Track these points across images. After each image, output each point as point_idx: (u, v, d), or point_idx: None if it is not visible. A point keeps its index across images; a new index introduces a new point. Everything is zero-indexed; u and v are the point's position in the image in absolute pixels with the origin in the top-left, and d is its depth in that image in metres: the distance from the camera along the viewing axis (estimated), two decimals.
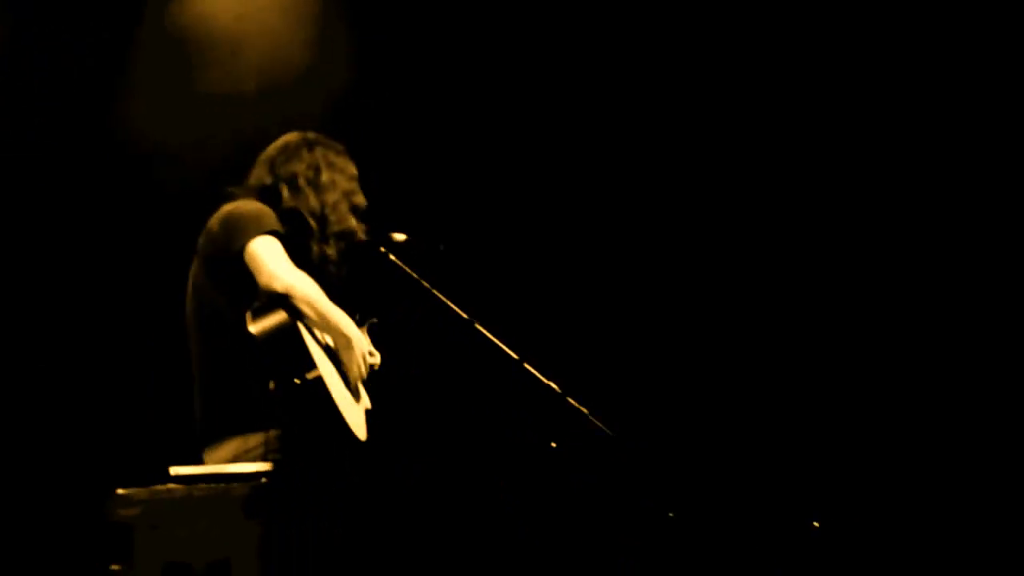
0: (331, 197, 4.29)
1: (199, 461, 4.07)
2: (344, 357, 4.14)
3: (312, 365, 3.88)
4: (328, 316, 4.03)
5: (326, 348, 4.16)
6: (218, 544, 3.72)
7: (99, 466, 5.83)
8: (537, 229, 6.42)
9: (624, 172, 6.46)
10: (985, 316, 6.10)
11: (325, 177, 4.30)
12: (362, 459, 4.14)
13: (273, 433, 3.98)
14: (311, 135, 4.40)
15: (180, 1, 6.23)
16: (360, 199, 4.37)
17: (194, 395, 4.17)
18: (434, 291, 4.33)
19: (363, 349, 4.19)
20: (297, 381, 3.85)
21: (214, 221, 4.18)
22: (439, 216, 5.96)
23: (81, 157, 6.16)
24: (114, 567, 3.75)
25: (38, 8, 6.11)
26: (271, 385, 3.86)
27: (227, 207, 4.19)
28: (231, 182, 4.35)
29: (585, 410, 4.24)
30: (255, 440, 3.99)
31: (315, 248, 4.24)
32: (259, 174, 4.34)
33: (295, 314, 3.95)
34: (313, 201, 4.26)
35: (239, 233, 4.06)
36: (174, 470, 3.82)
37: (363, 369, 4.19)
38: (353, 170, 4.41)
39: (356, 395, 4.28)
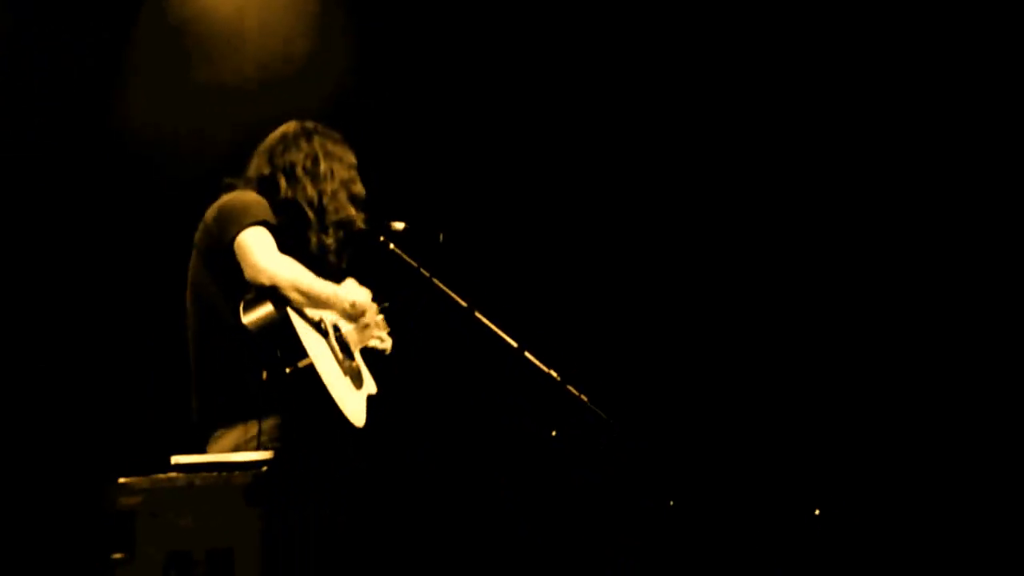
0: (329, 186, 4.29)
1: (201, 450, 4.09)
2: (348, 327, 4.17)
3: (304, 354, 3.92)
4: (317, 295, 4.07)
5: (324, 334, 4.17)
6: (220, 532, 3.72)
7: (100, 455, 5.84)
8: (537, 218, 6.42)
9: (624, 159, 6.46)
10: (984, 309, 6.11)
11: (323, 166, 4.30)
12: (363, 446, 4.15)
13: (270, 421, 4.01)
14: (310, 124, 4.41)
15: None
16: (359, 188, 4.37)
17: (192, 385, 4.19)
18: (434, 279, 4.34)
19: (366, 312, 4.22)
20: (288, 370, 3.89)
21: (209, 214, 4.21)
22: (439, 205, 5.98)
23: (81, 150, 6.16)
24: (116, 556, 3.75)
25: (39, 1, 6.11)
26: (264, 375, 3.91)
27: (222, 199, 4.21)
28: (232, 174, 4.36)
29: (585, 398, 4.24)
30: (256, 429, 4.01)
31: (313, 238, 4.24)
32: (258, 164, 4.35)
33: (285, 303, 3.98)
34: (311, 190, 4.27)
35: (229, 225, 4.09)
36: (175, 459, 3.83)
37: (370, 332, 4.22)
38: (352, 159, 4.42)
39: (359, 381, 4.28)
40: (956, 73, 6.15)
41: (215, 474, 3.77)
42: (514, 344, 4.28)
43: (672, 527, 5.34)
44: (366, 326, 4.34)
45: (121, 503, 3.77)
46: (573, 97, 6.46)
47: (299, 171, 4.29)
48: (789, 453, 6.10)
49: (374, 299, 4.41)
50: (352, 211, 4.32)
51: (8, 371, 6.03)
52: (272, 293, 3.98)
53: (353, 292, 4.30)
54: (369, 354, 4.50)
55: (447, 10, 6.44)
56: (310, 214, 4.25)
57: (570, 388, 4.27)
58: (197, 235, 4.23)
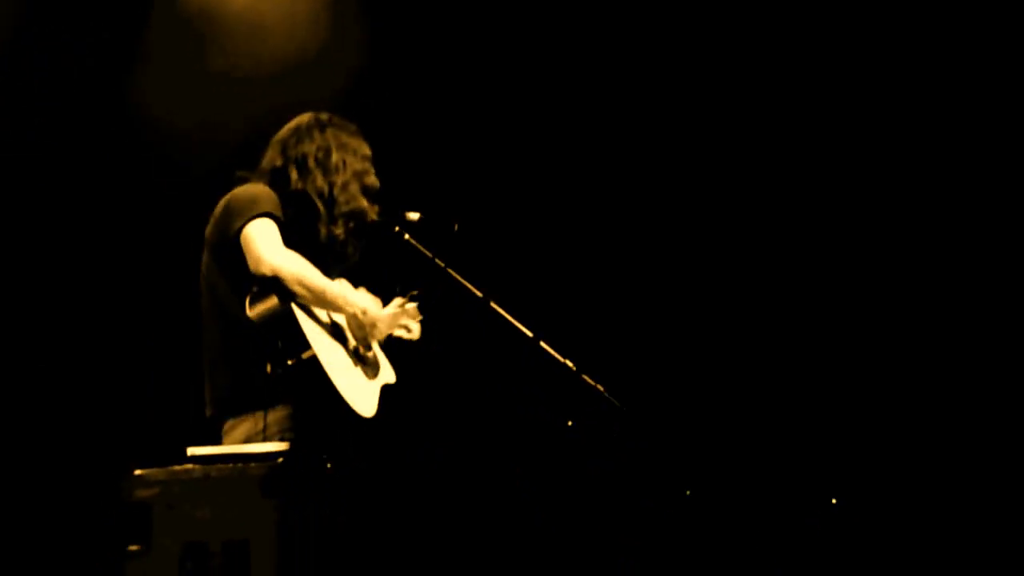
0: (340, 178, 4.28)
1: (215, 442, 4.10)
2: (354, 331, 4.16)
3: (306, 346, 3.92)
4: (322, 292, 4.07)
5: (334, 325, 4.17)
6: (236, 524, 3.72)
7: (115, 447, 5.85)
8: (552, 207, 6.41)
9: (642, 149, 6.44)
10: (985, 303, 6.10)
11: (335, 158, 4.29)
12: (379, 438, 4.15)
13: (277, 413, 4.01)
14: (324, 116, 4.40)
15: None
16: (372, 180, 4.36)
17: (205, 378, 4.20)
18: (449, 270, 4.33)
19: (372, 316, 4.21)
20: (290, 362, 3.89)
21: (218, 207, 4.21)
22: (454, 195, 5.98)
23: (94, 142, 6.16)
24: (132, 547, 3.76)
25: None
26: (268, 368, 3.93)
27: (231, 192, 4.21)
28: (246, 166, 4.36)
29: (601, 387, 4.23)
30: (271, 419, 4.02)
31: (323, 229, 4.24)
32: (271, 156, 4.35)
33: (288, 296, 3.97)
34: (321, 181, 4.26)
35: (235, 218, 4.10)
36: (191, 450, 3.83)
37: (375, 336, 4.20)
38: (366, 151, 4.40)
39: (373, 370, 4.27)
40: (956, 73, 6.13)
41: (231, 465, 3.78)
42: (529, 334, 4.27)
43: (687, 518, 5.33)
44: (374, 325, 4.32)
45: (137, 495, 3.78)
46: (590, 86, 6.44)
47: (311, 162, 4.28)
48: (800, 448, 6.08)
49: (402, 289, 4.41)
50: (364, 202, 4.30)
51: (26, 362, 6.04)
52: (275, 285, 3.98)
53: (364, 299, 4.28)
54: (392, 344, 4.49)
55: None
56: (320, 205, 4.24)
57: (585, 378, 4.26)
58: (207, 228, 4.23)
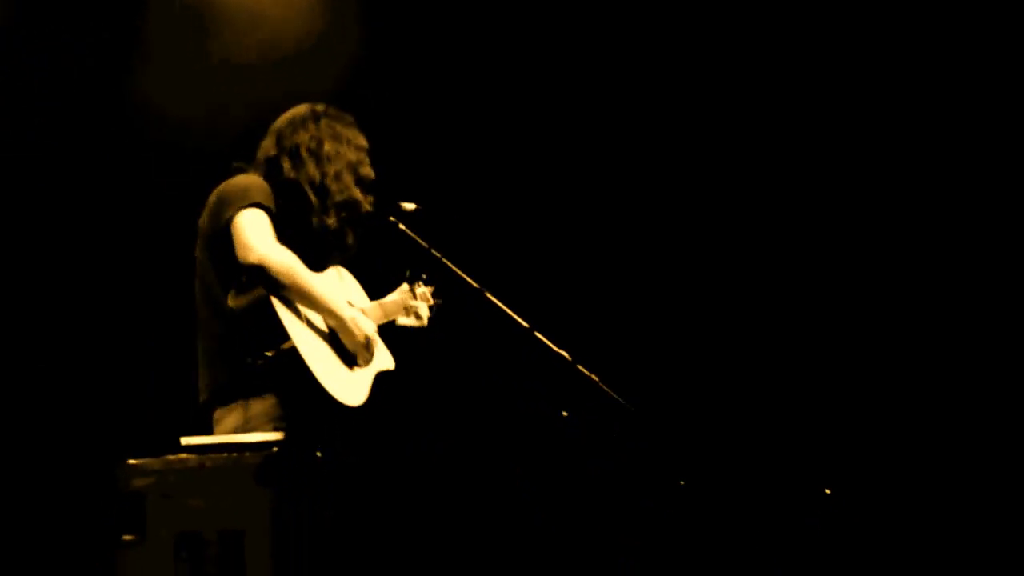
0: (333, 168, 4.28)
1: (206, 431, 4.10)
2: (339, 332, 4.16)
3: (285, 336, 3.93)
4: (307, 292, 4.06)
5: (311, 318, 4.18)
6: (230, 513, 3.73)
7: (107, 437, 5.85)
8: (548, 198, 6.40)
9: (635, 137, 6.43)
10: (984, 298, 6.11)
11: (328, 147, 4.29)
12: (372, 428, 4.15)
13: (260, 403, 4.02)
14: (320, 107, 4.40)
15: None
16: (367, 171, 4.35)
17: (199, 366, 4.21)
18: (444, 260, 4.33)
19: (357, 324, 4.20)
20: (269, 353, 3.91)
21: (211, 197, 4.22)
22: (451, 186, 5.98)
23: (91, 132, 6.15)
24: (127, 537, 3.76)
25: None
26: (248, 358, 3.96)
27: (224, 183, 4.22)
28: (244, 157, 4.36)
29: (596, 378, 4.23)
30: (256, 409, 4.04)
31: (315, 219, 4.24)
32: (266, 146, 4.35)
33: (273, 287, 3.98)
34: (313, 171, 4.26)
35: (225, 208, 4.11)
36: (185, 440, 3.83)
37: (359, 338, 4.19)
38: (362, 142, 4.40)
39: (366, 357, 4.26)
40: (956, 73, 6.13)
41: (226, 455, 3.78)
42: (525, 324, 4.27)
43: (686, 518, 5.33)
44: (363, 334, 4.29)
45: (133, 484, 3.78)
46: (586, 77, 6.43)
47: (303, 152, 4.28)
48: (800, 448, 6.08)
49: (411, 275, 4.42)
50: (358, 193, 4.30)
51: (19, 352, 6.03)
52: (262, 275, 3.98)
53: (349, 311, 4.24)
54: (394, 331, 4.49)
55: None
56: (311, 195, 4.24)
57: (581, 368, 4.26)
58: (201, 218, 4.24)
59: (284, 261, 4.01)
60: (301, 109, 4.39)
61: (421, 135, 6.22)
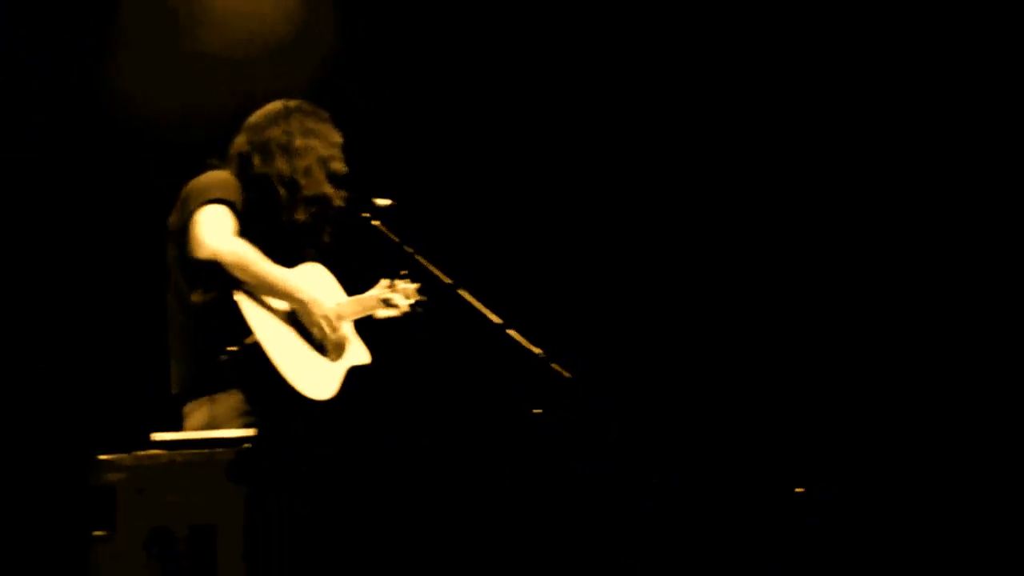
0: (303, 163, 4.28)
1: (178, 427, 4.13)
2: (303, 320, 4.17)
3: (248, 331, 3.95)
4: (265, 278, 4.07)
5: (285, 311, 4.17)
6: (202, 509, 3.72)
7: (76, 433, 5.83)
8: (524, 195, 6.40)
9: (614, 132, 6.43)
10: (983, 298, 6.13)
11: (299, 142, 4.30)
12: (345, 422, 4.16)
13: (232, 397, 4.03)
14: (293, 103, 4.40)
15: None
16: (339, 166, 4.35)
17: (170, 363, 4.23)
18: (417, 256, 4.33)
19: (321, 309, 4.20)
20: (231, 349, 3.93)
21: (181, 194, 4.24)
22: (425, 181, 5.97)
23: (67, 128, 6.13)
24: (97, 533, 3.75)
25: None
26: (212, 354, 3.98)
27: (193, 180, 4.24)
28: (221, 153, 4.36)
29: (568, 375, 4.24)
30: (223, 404, 4.06)
31: (284, 214, 4.24)
32: (239, 142, 4.36)
33: (232, 282, 4.00)
34: (283, 166, 4.27)
35: (189, 204, 4.14)
36: (155, 436, 3.83)
37: (325, 328, 4.20)
38: (336, 138, 4.40)
39: (337, 351, 4.27)
40: (956, 73, 6.14)
41: (197, 451, 3.78)
42: (498, 321, 4.27)
43: (685, 517, 5.33)
44: (326, 317, 4.30)
45: (105, 479, 3.77)
46: (566, 74, 6.43)
47: (273, 147, 4.28)
48: (800, 447, 6.08)
49: (392, 271, 4.43)
50: (328, 188, 4.30)
51: None
52: (218, 270, 4.00)
53: (314, 290, 4.24)
54: (372, 326, 4.49)
55: None
56: (281, 190, 4.25)
57: (555, 366, 4.26)
58: (170, 216, 4.25)
59: (236, 251, 4.03)
60: (274, 105, 4.40)
61: (398, 130, 6.21)
